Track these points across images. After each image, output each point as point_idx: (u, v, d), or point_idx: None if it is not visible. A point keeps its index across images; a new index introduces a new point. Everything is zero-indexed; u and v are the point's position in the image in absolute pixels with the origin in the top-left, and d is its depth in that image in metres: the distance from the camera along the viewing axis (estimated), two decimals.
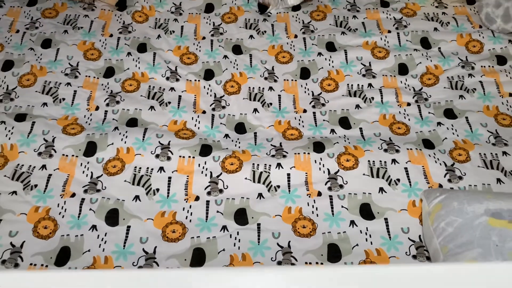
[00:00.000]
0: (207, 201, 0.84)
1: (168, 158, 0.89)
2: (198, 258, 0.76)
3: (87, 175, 0.87)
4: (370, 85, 1.05)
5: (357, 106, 1.01)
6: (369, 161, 0.89)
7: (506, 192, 0.76)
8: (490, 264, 0.35)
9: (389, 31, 1.15)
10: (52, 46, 1.10)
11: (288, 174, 0.88)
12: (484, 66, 1.08)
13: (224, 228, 0.80)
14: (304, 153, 0.90)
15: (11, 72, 1.04)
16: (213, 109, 1.00)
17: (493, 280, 0.35)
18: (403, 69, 1.08)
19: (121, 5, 1.15)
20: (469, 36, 1.12)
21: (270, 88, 1.05)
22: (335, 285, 0.36)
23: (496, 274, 0.35)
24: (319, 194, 0.85)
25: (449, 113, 1.00)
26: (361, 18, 1.19)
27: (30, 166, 0.88)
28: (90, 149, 0.90)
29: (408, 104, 1.02)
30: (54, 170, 0.88)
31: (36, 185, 0.85)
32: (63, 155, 0.89)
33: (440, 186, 0.87)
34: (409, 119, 0.99)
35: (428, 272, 0.34)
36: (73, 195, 0.84)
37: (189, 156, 0.89)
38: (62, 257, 0.76)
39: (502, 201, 0.68)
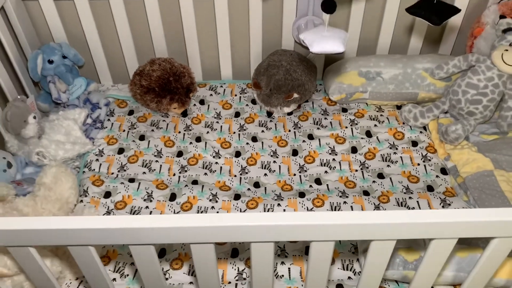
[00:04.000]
0: None
1: (216, 201, 1.42)
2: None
3: (171, 211, 1.39)
4: (333, 159, 1.55)
5: (326, 172, 1.52)
6: (330, 202, 1.39)
7: None
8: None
9: (346, 127, 1.62)
10: (145, 139, 1.60)
11: (284, 209, 1.38)
12: (404, 147, 1.58)
13: None
14: (293, 198, 1.42)
15: (123, 155, 1.55)
16: (241, 174, 1.53)
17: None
18: (354, 150, 1.57)
19: (184, 114, 1.69)
20: (395, 129, 1.63)
21: (274, 162, 1.54)
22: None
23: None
24: None
25: (380, 176, 1.49)
26: (329, 119, 1.66)
27: (139, 207, 1.41)
28: (172, 197, 1.42)
29: (356, 171, 1.52)
30: (153, 208, 1.39)
31: None
32: (158, 200, 1.42)
33: None
34: (356, 179, 1.52)
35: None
36: None
37: (228, 200, 1.43)
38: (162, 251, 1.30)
39: None
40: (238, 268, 1.26)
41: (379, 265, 0.96)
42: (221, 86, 1.84)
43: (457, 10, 1.04)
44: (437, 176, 1.51)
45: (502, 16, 1.56)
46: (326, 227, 0.84)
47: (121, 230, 0.84)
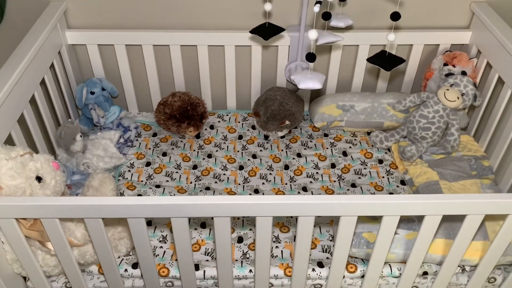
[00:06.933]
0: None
1: None
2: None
3: None
4: (317, 172, 1.93)
5: (311, 182, 1.88)
6: None
7: None
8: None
9: (327, 148, 1.93)
10: (167, 155, 1.91)
11: None
12: (372, 164, 1.97)
13: (251, 229, 1.69)
14: None
15: (150, 167, 1.88)
16: (244, 183, 1.89)
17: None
18: (333, 166, 1.91)
19: (197, 136, 2.05)
20: (366, 150, 2.01)
21: (270, 174, 1.87)
22: None
23: None
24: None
25: (353, 185, 1.83)
26: (314, 142, 1.94)
27: None
28: None
29: (334, 181, 1.90)
30: None
31: None
32: None
33: None
34: (334, 188, 1.88)
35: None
36: None
37: None
38: None
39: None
40: (243, 250, 1.58)
41: (346, 238, 1.30)
42: (227, 115, 2.14)
43: (403, 60, 1.42)
44: (397, 186, 1.86)
45: (445, 64, 1.97)
46: (309, 205, 1.18)
47: (166, 206, 1.18)
